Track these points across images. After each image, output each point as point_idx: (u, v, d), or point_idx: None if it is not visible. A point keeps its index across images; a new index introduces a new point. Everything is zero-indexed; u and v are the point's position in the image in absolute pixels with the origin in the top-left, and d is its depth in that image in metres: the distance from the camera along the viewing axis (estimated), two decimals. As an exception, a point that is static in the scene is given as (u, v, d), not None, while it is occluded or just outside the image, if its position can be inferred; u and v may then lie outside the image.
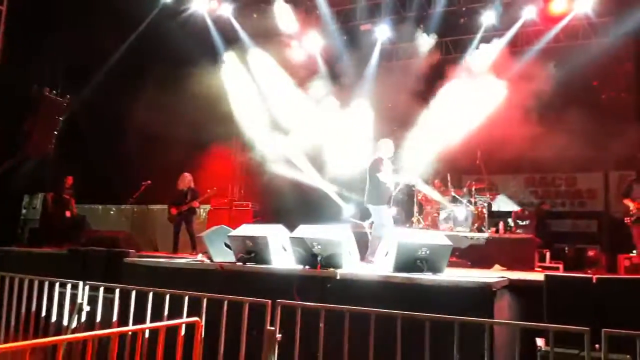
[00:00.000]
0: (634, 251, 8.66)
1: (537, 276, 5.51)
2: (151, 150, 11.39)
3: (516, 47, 11.14)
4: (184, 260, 6.70)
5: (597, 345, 3.55)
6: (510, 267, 8.07)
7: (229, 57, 11.78)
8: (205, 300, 4.43)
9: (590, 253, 9.42)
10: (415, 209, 10.04)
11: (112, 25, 10.94)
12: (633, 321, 4.14)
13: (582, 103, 10.10)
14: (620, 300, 4.52)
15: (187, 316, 4.32)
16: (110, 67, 11.78)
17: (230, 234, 6.17)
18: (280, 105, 11.40)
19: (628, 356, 3.78)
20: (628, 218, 7.41)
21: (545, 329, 3.75)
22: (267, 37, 11.61)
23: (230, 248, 6.19)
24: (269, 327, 4.04)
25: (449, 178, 9.90)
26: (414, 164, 10.06)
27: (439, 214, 9.72)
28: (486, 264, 8.05)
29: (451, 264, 7.14)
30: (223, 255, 6.28)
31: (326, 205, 11.10)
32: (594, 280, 4.75)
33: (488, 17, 10.97)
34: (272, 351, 3.98)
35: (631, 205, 7.32)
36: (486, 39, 11.21)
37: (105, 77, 11.80)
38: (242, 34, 11.48)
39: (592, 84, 11.08)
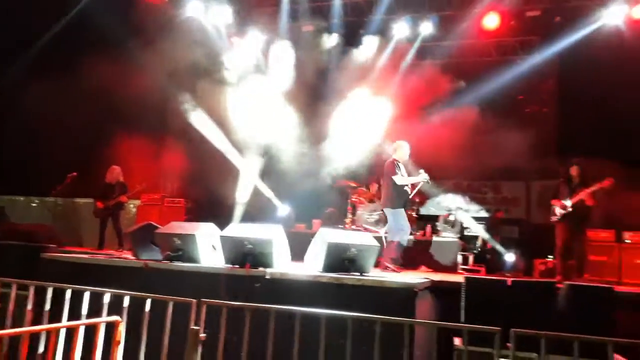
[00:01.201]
0: (549, 256, 9.20)
1: (459, 278, 5.76)
2: (79, 141, 10.83)
3: (451, 58, 11.53)
4: (107, 256, 6.46)
5: (509, 344, 3.76)
6: (435, 269, 8.39)
7: (164, 47, 11.39)
8: (127, 298, 4.30)
9: (510, 257, 9.90)
10: (349, 209, 10.19)
11: (37, 9, 10.33)
12: (542, 321, 4.44)
13: (509, 115, 10.63)
14: (531, 301, 4.83)
15: (109, 315, 4.17)
16: (33, 53, 11.11)
17: (157, 231, 6.02)
18: (217, 102, 11.20)
19: (535, 354, 4.04)
20: (554, 217, 7.72)
21: (460, 329, 3.93)
22: (206, 30, 11.41)
23: (157, 245, 6.03)
24: (193, 327, 3.97)
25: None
26: (350, 166, 10.28)
27: (371, 216, 9.92)
28: (413, 266, 8.32)
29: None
30: (149, 253, 6.12)
31: (262, 205, 11.04)
32: (509, 283, 5.04)
33: (425, 28, 11.29)
34: (195, 351, 3.91)
35: (557, 205, 7.69)
36: (422, 50, 11.57)
37: (27, 62, 11.11)
38: (180, 25, 11.14)
39: (518, 98, 11.71)
